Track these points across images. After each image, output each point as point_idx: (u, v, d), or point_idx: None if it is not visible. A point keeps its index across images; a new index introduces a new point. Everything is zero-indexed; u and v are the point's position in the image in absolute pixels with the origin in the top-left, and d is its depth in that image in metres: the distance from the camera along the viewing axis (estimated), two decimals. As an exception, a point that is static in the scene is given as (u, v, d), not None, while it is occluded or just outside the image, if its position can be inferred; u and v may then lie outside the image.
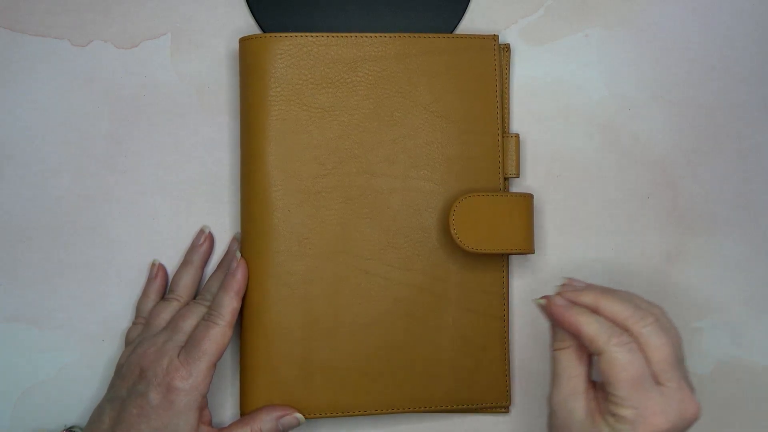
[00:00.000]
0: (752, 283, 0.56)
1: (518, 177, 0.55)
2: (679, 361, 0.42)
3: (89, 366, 0.54)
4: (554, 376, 0.45)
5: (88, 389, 0.54)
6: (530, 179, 0.56)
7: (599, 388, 0.44)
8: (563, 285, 0.46)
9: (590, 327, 0.42)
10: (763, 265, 0.56)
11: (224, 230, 0.55)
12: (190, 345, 0.48)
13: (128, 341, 0.52)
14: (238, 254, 0.52)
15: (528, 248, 0.52)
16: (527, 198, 0.52)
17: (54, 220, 0.55)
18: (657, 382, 0.42)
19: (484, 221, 0.51)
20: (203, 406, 0.49)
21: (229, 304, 0.50)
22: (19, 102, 0.55)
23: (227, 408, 0.54)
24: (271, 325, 0.51)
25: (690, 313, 0.56)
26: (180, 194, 0.55)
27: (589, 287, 0.45)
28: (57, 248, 0.54)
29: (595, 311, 0.44)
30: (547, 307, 0.45)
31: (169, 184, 0.55)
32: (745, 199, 0.57)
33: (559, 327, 0.44)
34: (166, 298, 0.53)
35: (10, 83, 0.55)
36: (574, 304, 0.44)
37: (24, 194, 0.55)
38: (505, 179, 0.54)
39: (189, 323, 0.50)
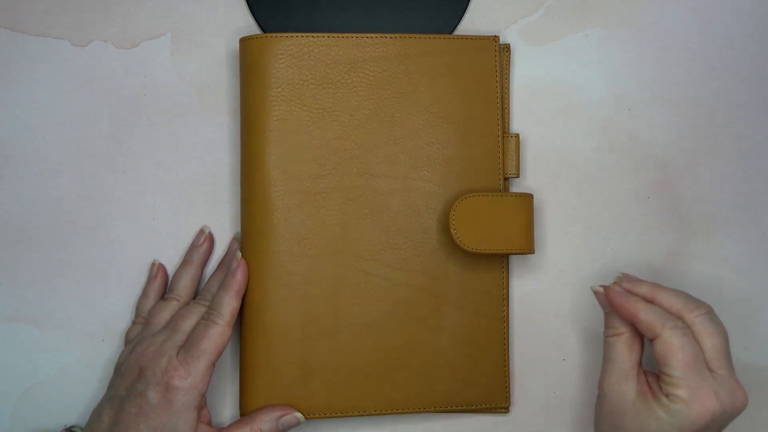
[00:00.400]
0: (752, 283, 0.56)
1: (518, 177, 0.55)
2: (728, 353, 0.45)
3: (89, 366, 0.54)
4: (606, 362, 0.47)
5: (88, 389, 0.54)
6: (530, 179, 0.56)
7: (650, 374, 0.47)
8: (619, 277, 0.49)
9: (647, 313, 0.45)
10: (763, 265, 0.56)
11: (224, 230, 0.55)
12: (189, 344, 0.48)
13: (128, 341, 0.52)
14: (239, 254, 0.52)
15: (528, 248, 0.52)
16: (527, 198, 0.52)
17: (54, 220, 0.55)
18: (709, 368, 0.44)
19: (484, 221, 0.51)
20: (202, 406, 0.49)
21: (229, 304, 0.50)
22: (19, 102, 0.55)
23: (227, 408, 0.54)
24: (271, 326, 0.51)
25: (690, 313, 0.56)
26: (180, 194, 0.55)
27: (645, 281, 0.48)
28: (57, 248, 0.54)
29: (650, 301, 0.46)
30: (606, 294, 0.47)
31: (169, 184, 0.55)
32: (745, 199, 0.57)
33: (615, 314, 0.47)
34: (166, 298, 0.53)
35: (10, 83, 0.55)
36: (631, 293, 0.47)
37: (24, 194, 0.55)
38: (505, 179, 0.54)
39: (188, 323, 0.50)
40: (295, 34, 0.52)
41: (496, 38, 0.54)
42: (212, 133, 0.55)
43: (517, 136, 0.54)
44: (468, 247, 0.51)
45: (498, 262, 0.54)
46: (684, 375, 0.44)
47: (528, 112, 0.56)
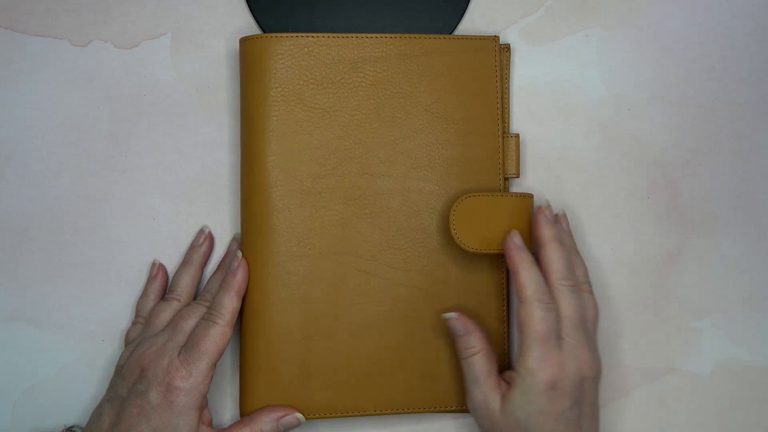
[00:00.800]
0: (752, 283, 0.56)
1: (518, 177, 0.55)
2: (583, 325, 0.48)
3: (89, 366, 0.54)
4: (470, 382, 0.49)
5: (88, 389, 0.54)
6: (530, 179, 0.56)
7: (506, 373, 0.49)
8: (539, 207, 0.51)
9: (526, 275, 0.48)
10: (763, 265, 0.57)
11: (224, 230, 0.55)
12: (190, 345, 0.48)
13: (128, 341, 0.52)
14: (239, 254, 0.52)
15: (529, 249, 0.52)
16: (527, 198, 0.52)
17: (54, 220, 0.55)
18: (559, 336, 0.47)
19: (483, 222, 0.51)
20: (203, 406, 0.49)
21: (229, 304, 0.50)
22: (19, 102, 0.55)
23: (227, 408, 0.54)
24: (271, 326, 0.51)
25: (690, 313, 0.56)
26: (180, 194, 0.55)
27: (549, 226, 0.50)
28: (57, 248, 0.54)
29: (540, 248, 0.49)
30: (504, 240, 0.50)
31: (169, 184, 0.55)
32: (745, 199, 0.57)
33: (469, 331, 0.49)
34: (166, 298, 0.53)
35: (10, 83, 0.55)
36: (522, 248, 0.49)
37: (24, 194, 0.55)
38: (505, 179, 0.54)
39: (189, 323, 0.50)
40: (295, 34, 0.52)
41: (496, 38, 0.54)
42: (212, 133, 0.55)
43: (517, 136, 0.54)
44: (468, 247, 0.51)
45: (498, 262, 0.54)
46: (534, 345, 0.47)
47: (528, 112, 0.56)
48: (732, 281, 0.56)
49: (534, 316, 0.47)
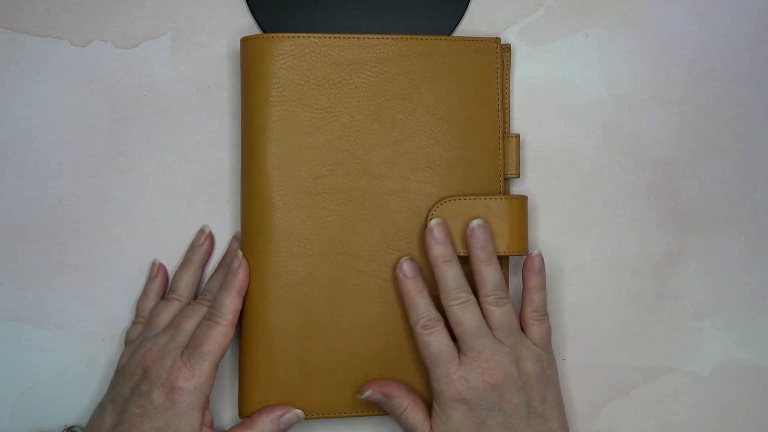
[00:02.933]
0: (752, 283, 0.56)
1: (518, 177, 0.55)
2: (481, 334, 0.49)
3: (89, 366, 0.54)
4: (407, 430, 0.50)
5: (88, 389, 0.54)
6: (530, 179, 0.56)
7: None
8: (428, 229, 0.51)
9: (409, 306, 0.50)
10: (763, 265, 0.57)
11: (224, 230, 0.55)
12: (192, 345, 0.48)
13: (128, 341, 0.52)
14: (240, 253, 0.51)
15: (522, 250, 0.52)
16: (521, 200, 0.52)
17: (54, 220, 0.55)
18: (461, 351, 0.49)
19: (461, 224, 0.51)
20: (205, 407, 0.49)
21: (231, 304, 0.50)
22: (19, 102, 0.55)
23: (226, 408, 0.54)
24: (270, 326, 0.51)
25: (690, 313, 0.56)
26: (180, 194, 0.55)
27: (435, 246, 0.50)
28: (57, 248, 0.54)
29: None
30: (395, 270, 0.51)
31: (169, 184, 0.55)
32: (745, 199, 0.57)
33: (391, 394, 0.50)
34: (167, 298, 0.53)
35: (10, 83, 0.55)
36: (416, 278, 0.50)
37: (24, 194, 0.55)
38: (506, 179, 0.54)
39: (191, 323, 0.50)
40: (296, 35, 0.52)
41: (497, 40, 0.54)
42: (212, 133, 0.55)
43: (518, 136, 0.54)
44: (462, 251, 0.51)
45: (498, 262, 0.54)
46: (432, 367, 0.49)
47: (528, 113, 0.56)
48: (732, 281, 0.56)
49: (421, 341, 0.49)
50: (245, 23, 0.56)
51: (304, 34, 0.52)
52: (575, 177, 0.56)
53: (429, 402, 0.51)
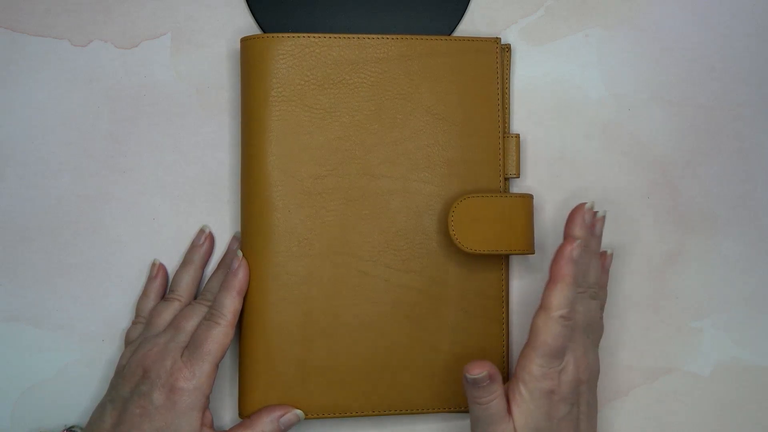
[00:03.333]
0: (752, 283, 0.56)
1: (518, 177, 0.55)
2: (586, 329, 0.49)
3: (89, 366, 0.54)
4: (484, 423, 0.47)
5: (88, 389, 0.54)
6: (530, 179, 0.56)
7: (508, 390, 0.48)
8: (590, 208, 0.50)
9: (560, 291, 0.47)
10: (763, 265, 0.57)
11: (224, 230, 0.55)
12: (192, 346, 0.49)
13: (128, 341, 0.52)
14: (240, 253, 0.51)
15: (528, 249, 0.52)
16: (527, 198, 0.52)
17: (54, 220, 0.55)
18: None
19: (482, 222, 0.51)
20: (205, 407, 0.49)
21: (231, 304, 0.50)
22: (19, 102, 0.55)
23: (226, 408, 0.54)
24: (270, 326, 0.51)
25: (690, 313, 0.56)
26: (180, 194, 0.55)
27: (582, 230, 0.49)
28: (57, 248, 0.54)
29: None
30: (563, 246, 0.48)
31: (169, 184, 0.55)
32: (745, 199, 0.57)
33: (495, 376, 0.47)
34: (167, 298, 0.53)
35: (10, 83, 0.55)
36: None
37: (24, 194, 0.55)
38: (506, 179, 0.54)
39: (191, 324, 0.50)
40: (296, 35, 0.52)
41: (497, 40, 0.54)
42: (212, 133, 0.55)
43: (518, 136, 0.54)
44: (467, 248, 0.51)
45: (498, 263, 0.54)
46: (541, 354, 0.47)
47: (528, 113, 0.56)
48: (732, 281, 0.56)
49: (552, 329, 0.47)
50: (245, 23, 0.56)
51: (304, 34, 0.52)
52: (575, 177, 0.56)
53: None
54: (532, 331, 0.47)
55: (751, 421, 0.56)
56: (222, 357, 0.49)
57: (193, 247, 0.54)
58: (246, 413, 0.52)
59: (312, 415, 0.52)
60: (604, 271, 0.53)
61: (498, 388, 0.47)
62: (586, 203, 0.50)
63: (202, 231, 0.54)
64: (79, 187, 0.55)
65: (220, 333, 0.49)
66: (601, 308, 0.52)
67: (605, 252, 0.53)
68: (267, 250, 0.52)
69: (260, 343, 0.51)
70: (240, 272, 0.51)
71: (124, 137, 0.55)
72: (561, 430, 0.47)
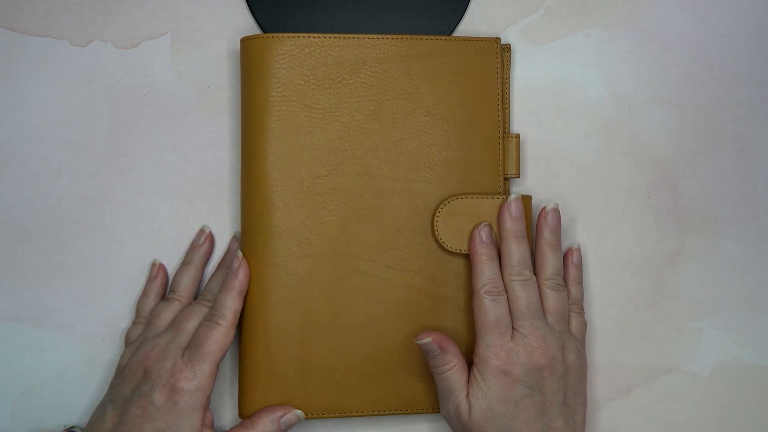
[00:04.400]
0: (752, 283, 0.56)
1: (518, 177, 0.55)
2: (537, 315, 0.50)
3: (89, 366, 0.54)
4: (445, 393, 0.50)
5: (88, 389, 0.54)
6: (530, 179, 0.56)
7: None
8: (505, 202, 0.52)
9: (479, 269, 0.50)
10: (763, 265, 0.57)
11: (224, 230, 0.55)
12: (193, 346, 0.49)
13: (128, 341, 0.52)
14: (240, 253, 0.51)
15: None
16: (527, 200, 0.52)
17: (54, 220, 0.55)
18: (513, 327, 0.49)
19: (467, 223, 0.52)
20: (206, 408, 0.49)
21: (231, 305, 0.50)
22: (19, 102, 0.55)
23: (226, 408, 0.54)
24: (270, 326, 0.51)
25: (690, 313, 0.56)
26: (180, 194, 0.55)
27: (509, 220, 0.51)
28: (57, 248, 0.54)
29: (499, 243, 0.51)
30: (472, 231, 0.51)
31: (169, 184, 0.55)
32: (745, 199, 0.57)
33: (446, 349, 0.50)
34: (167, 299, 0.53)
35: (10, 83, 0.55)
36: (489, 244, 0.51)
37: (24, 194, 0.55)
38: (506, 179, 0.54)
39: (192, 324, 0.50)
40: (296, 35, 0.52)
41: (497, 40, 0.54)
42: (212, 133, 0.55)
43: (518, 136, 0.54)
44: (450, 247, 0.51)
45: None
46: (485, 335, 0.49)
47: (528, 113, 0.56)
48: (732, 281, 0.56)
49: (481, 306, 0.49)
50: (245, 23, 0.56)
51: (304, 34, 0.52)
52: (575, 177, 0.56)
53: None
54: (474, 318, 0.50)
55: (751, 421, 0.56)
56: (223, 357, 0.49)
57: (193, 247, 0.54)
58: (246, 413, 0.52)
59: (312, 415, 0.52)
60: (575, 266, 0.53)
61: (453, 359, 0.49)
62: (510, 196, 0.52)
63: (201, 231, 0.54)
64: (79, 187, 0.55)
65: (221, 333, 0.49)
66: (577, 302, 0.53)
67: (570, 248, 0.54)
68: (267, 250, 0.52)
69: (260, 343, 0.51)
70: (240, 272, 0.51)
71: (124, 137, 0.55)
72: (519, 414, 0.48)
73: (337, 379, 0.52)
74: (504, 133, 0.54)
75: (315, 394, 0.52)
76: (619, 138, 0.56)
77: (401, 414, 0.53)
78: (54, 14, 0.55)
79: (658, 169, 0.56)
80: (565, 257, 0.54)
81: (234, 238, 0.55)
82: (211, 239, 0.54)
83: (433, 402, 0.53)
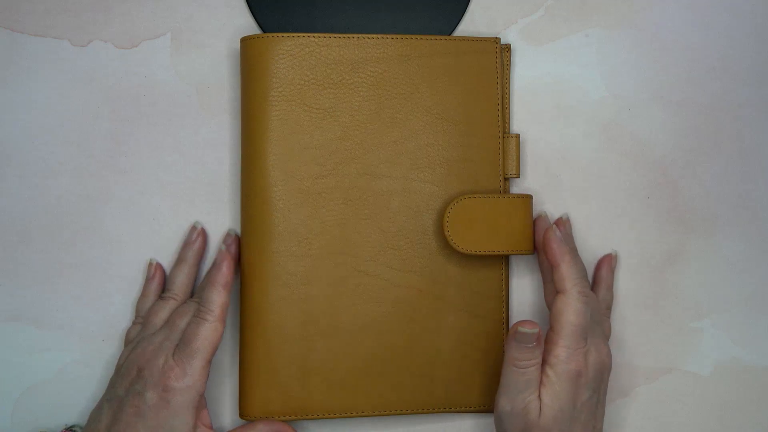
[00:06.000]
0: (752, 283, 0.56)
1: (518, 177, 0.55)
2: (599, 320, 0.51)
3: (89, 366, 0.54)
4: (514, 389, 0.48)
5: (88, 389, 0.54)
6: (530, 179, 0.56)
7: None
8: (563, 220, 0.53)
9: (568, 268, 0.49)
10: (763, 265, 0.57)
11: (224, 230, 0.55)
12: (182, 344, 0.48)
13: (128, 341, 0.52)
14: (223, 246, 0.51)
15: (527, 249, 0.52)
16: (524, 199, 0.52)
17: (54, 220, 0.55)
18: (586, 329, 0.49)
19: (479, 223, 0.51)
20: (202, 406, 0.48)
21: (217, 299, 0.50)
22: (19, 102, 0.55)
23: (226, 408, 0.54)
24: (271, 326, 0.51)
25: (690, 313, 0.56)
26: (180, 194, 0.55)
27: (565, 242, 0.51)
28: (57, 248, 0.54)
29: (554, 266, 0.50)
30: (546, 233, 0.50)
31: (169, 184, 0.55)
32: (745, 199, 0.57)
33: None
34: (163, 297, 0.53)
35: (10, 83, 0.55)
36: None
37: (24, 194, 0.55)
38: (506, 179, 0.54)
39: (185, 321, 0.50)
40: (296, 34, 0.52)
41: (497, 40, 0.54)
42: (212, 133, 0.55)
43: (518, 136, 0.54)
44: (463, 248, 0.51)
45: (498, 263, 0.54)
46: (568, 336, 0.48)
47: (528, 113, 0.56)
48: (732, 281, 0.56)
49: (572, 307, 0.48)
50: (245, 23, 0.56)
51: (304, 34, 0.52)
52: (575, 177, 0.56)
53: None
54: (554, 316, 0.48)
55: (751, 421, 0.56)
56: (213, 353, 0.49)
57: (186, 244, 0.54)
58: (246, 413, 0.52)
59: (312, 415, 0.52)
60: (609, 271, 0.54)
61: (540, 356, 0.48)
62: (550, 227, 0.51)
63: (194, 228, 0.54)
64: (79, 187, 0.55)
65: (209, 329, 0.49)
66: (608, 308, 0.54)
67: (610, 254, 0.55)
68: (267, 250, 0.52)
69: (260, 343, 0.51)
70: (223, 266, 0.50)
71: (124, 137, 0.55)
72: (581, 415, 0.48)
73: (338, 379, 0.52)
74: (504, 133, 0.54)
75: (315, 394, 0.52)
76: (619, 138, 0.56)
77: (401, 414, 0.53)
78: (54, 14, 0.55)
79: (658, 169, 0.56)
80: (604, 262, 0.54)
81: (228, 233, 0.54)
82: (204, 235, 0.54)
83: (433, 402, 0.53)
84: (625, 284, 0.56)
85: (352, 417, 0.53)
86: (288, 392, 0.51)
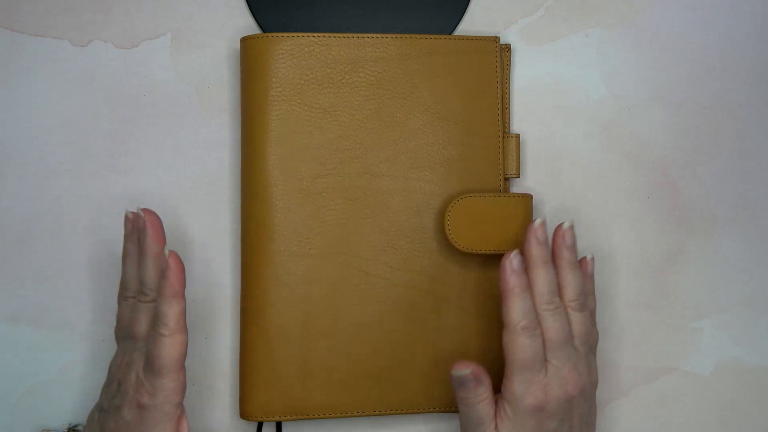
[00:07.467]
0: (752, 283, 0.56)
1: (518, 177, 0.55)
2: (568, 344, 0.48)
3: (89, 366, 0.54)
4: (472, 425, 0.48)
5: (88, 389, 0.54)
6: (530, 179, 0.56)
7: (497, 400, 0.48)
8: (530, 226, 0.49)
9: (512, 303, 0.47)
10: (763, 265, 0.57)
11: (224, 230, 0.55)
12: (147, 363, 0.46)
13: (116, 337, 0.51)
14: (166, 251, 0.47)
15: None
16: (525, 198, 0.52)
17: (54, 220, 0.55)
18: (546, 358, 0.47)
19: (480, 222, 0.51)
20: (179, 416, 0.47)
21: (170, 310, 0.46)
22: (19, 102, 0.55)
23: (226, 408, 0.54)
24: (271, 326, 0.51)
25: (690, 313, 0.56)
26: (180, 194, 0.55)
27: (536, 247, 0.49)
28: (57, 248, 0.54)
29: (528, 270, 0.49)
30: (503, 261, 0.48)
31: (169, 184, 0.55)
32: (745, 199, 0.57)
33: (479, 379, 0.47)
34: (125, 298, 0.49)
35: (10, 83, 0.55)
36: (520, 273, 0.48)
37: (24, 194, 0.55)
38: (506, 179, 0.54)
39: (142, 328, 0.47)
40: (296, 34, 0.52)
41: (496, 39, 0.54)
42: (212, 133, 0.55)
43: (518, 136, 0.55)
44: (463, 247, 0.51)
45: (498, 263, 0.54)
46: (520, 372, 0.47)
47: (528, 112, 0.56)
48: (732, 281, 0.56)
49: (517, 344, 0.47)
50: (245, 23, 0.56)
51: (304, 34, 0.52)
52: (575, 177, 0.56)
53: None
54: (504, 352, 0.47)
55: (751, 421, 0.56)
56: (180, 364, 0.46)
57: (126, 237, 0.50)
58: (246, 413, 0.52)
59: (312, 415, 0.52)
60: (588, 276, 0.52)
61: (485, 392, 0.47)
62: (535, 221, 0.49)
63: (126, 218, 0.50)
64: (79, 187, 0.55)
65: (167, 344, 0.45)
66: (592, 315, 0.52)
67: (585, 258, 0.52)
68: (267, 250, 0.52)
69: (260, 343, 0.51)
70: (171, 275, 0.46)
71: (124, 137, 0.55)
72: None
73: (338, 379, 0.52)
74: (504, 132, 0.54)
75: (315, 394, 0.52)
76: (619, 138, 0.56)
77: (401, 414, 0.53)
78: (54, 14, 0.55)
79: (658, 169, 0.56)
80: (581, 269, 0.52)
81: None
82: (135, 221, 0.49)
83: (434, 402, 0.53)
84: (625, 284, 0.56)
85: (353, 417, 0.53)
86: (288, 392, 0.51)
